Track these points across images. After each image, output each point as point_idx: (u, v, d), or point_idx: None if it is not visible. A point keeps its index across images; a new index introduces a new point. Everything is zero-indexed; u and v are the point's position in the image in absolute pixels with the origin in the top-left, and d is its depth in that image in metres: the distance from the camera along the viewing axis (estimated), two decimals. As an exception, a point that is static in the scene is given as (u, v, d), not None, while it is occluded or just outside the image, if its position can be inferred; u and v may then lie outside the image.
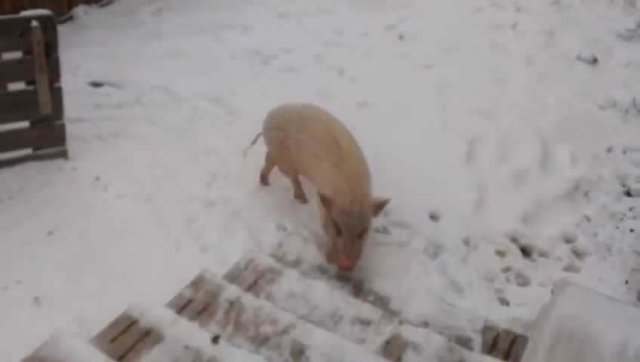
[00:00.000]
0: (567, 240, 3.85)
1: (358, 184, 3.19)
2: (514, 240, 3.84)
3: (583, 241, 3.83)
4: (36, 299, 3.03)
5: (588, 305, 1.57)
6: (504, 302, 3.41)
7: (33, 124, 3.70)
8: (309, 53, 5.58)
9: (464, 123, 4.85)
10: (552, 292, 3.00)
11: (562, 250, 3.77)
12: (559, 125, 4.90)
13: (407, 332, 2.85)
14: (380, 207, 3.21)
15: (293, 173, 3.80)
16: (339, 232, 3.13)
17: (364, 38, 5.97)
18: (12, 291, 3.06)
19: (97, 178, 3.86)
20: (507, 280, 3.57)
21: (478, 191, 4.16)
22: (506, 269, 3.63)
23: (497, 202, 4.09)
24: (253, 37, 5.75)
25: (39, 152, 3.79)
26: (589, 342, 1.45)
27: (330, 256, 3.29)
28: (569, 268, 3.64)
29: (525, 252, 3.77)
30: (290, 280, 3.05)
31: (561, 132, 4.82)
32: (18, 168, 3.73)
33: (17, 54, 3.55)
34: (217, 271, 3.10)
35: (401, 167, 4.25)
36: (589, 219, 3.99)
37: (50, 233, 3.42)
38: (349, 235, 3.10)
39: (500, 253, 3.73)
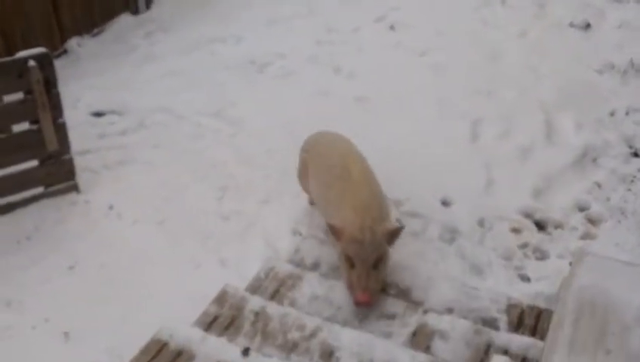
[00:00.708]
0: (581, 209, 3.87)
1: (367, 212, 2.96)
2: (528, 215, 3.86)
3: (596, 208, 3.84)
4: (65, 334, 3.09)
5: (606, 273, 1.60)
6: (525, 279, 3.43)
7: (41, 162, 3.75)
8: (303, 54, 5.60)
9: (464, 105, 4.87)
10: (569, 264, 3.03)
11: (577, 219, 3.78)
12: (559, 94, 4.91)
13: (433, 321, 2.88)
14: (393, 234, 2.96)
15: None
16: (352, 265, 2.89)
17: (356, 33, 5.98)
18: (41, 329, 3.11)
19: (111, 207, 3.91)
20: (525, 256, 3.60)
21: (487, 171, 4.18)
22: (524, 245, 3.65)
23: (507, 180, 4.11)
24: (246, 46, 5.78)
25: (51, 189, 3.84)
26: (612, 309, 1.48)
27: (350, 291, 3.00)
28: (585, 236, 3.66)
29: (540, 226, 3.79)
30: (311, 284, 3.08)
31: (561, 101, 4.83)
32: (32, 208, 3.78)
33: (18, 95, 3.60)
34: (238, 283, 3.14)
35: (407, 158, 4.27)
36: (599, 185, 4.01)
37: (71, 268, 3.48)
38: (362, 267, 2.86)
39: (516, 230, 3.75)
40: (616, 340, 1.39)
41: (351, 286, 2.91)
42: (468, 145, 4.47)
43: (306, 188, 3.74)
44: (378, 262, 2.91)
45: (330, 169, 3.26)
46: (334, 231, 2.96)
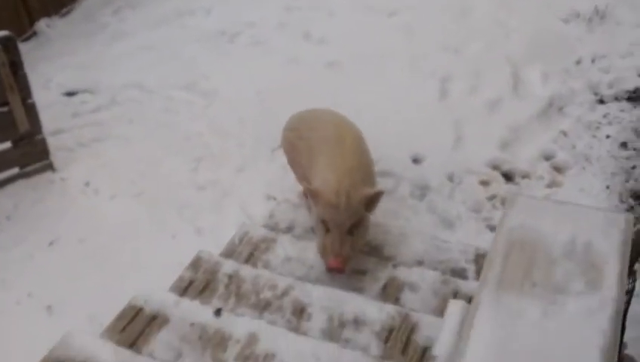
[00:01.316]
0: (547, 158, 3.96)
1: (346, 176, 2.86)
2: (495, 167, 3.95)
3: (562, 156, 3.93)
4: (48, 307, 3.18)
5: (537, 212, 1.68)
6: (493, 229, 3.53)
7: (14, 143, 3.80)
8: (272, 22, 5.62)
9: (434, 63, 4.92)
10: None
11: (543, 168, 3.88)
12: (527, 47, 4.97)
13: (402, 274, 2.97)
14: (372, 199, 2.87)
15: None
16: (327, 230, 2.82)
17: (325, -3, 5.99)
18: (24, 304, 3.20)
19: (87, 183, 3.97)
20: (494, 207, 3.70)
21: (456, 128, 4.26)
22: (492, 197, 3.75)
23: (475, 134, 4.19)
24: (216, 18, 5.79)
25: (26, 169, 3.90)
26: (540, 245, 1.56)
27: (322, 256, 2.94)
28: (552, 185, 3.76)
29: (508, 177, 3.89)
30: (284, 246, 3.16)
31: (529, 53, 4.90)
32: (9, 189, 3.84)
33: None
34: (215, 250, 3.23)
35: (379, 119, 4.33)
36: (565, 134, 4.09)
37: (51, 244, 3.55)
38: (337, 232, 2.79)
39: (484, 183, 3.85)
40: (542, 273, 1.48)
41: (324, 251, 2.84)
42: (437, 103, 4.54)
43: (292, 165, 3.60)
44: (354, 227, 2.82)
45: (324, 139, 3.17)
46: (311, 194, 2.87)
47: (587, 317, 1.35)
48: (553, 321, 1.35)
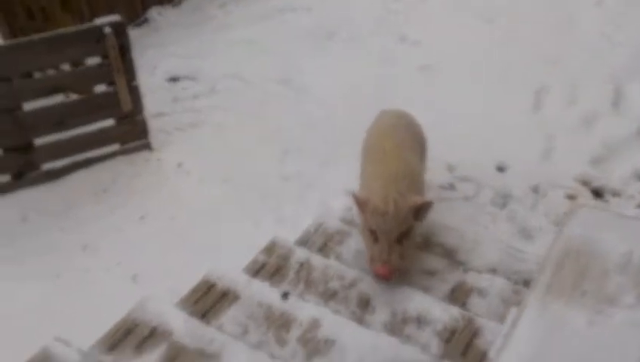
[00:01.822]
0: (640, 178, 3.80)
1: (394, 184, 2.80)
2: (585, 183, 3.83)
3: (656, 177, 3.77)
4: (134, 276, 3.39)
5: (598, 224, 1.64)
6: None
7: (117, 121, 4.07)
8: (369, 22, 5.69)
9: (531, 72, 4.83)
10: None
11: (635, 188, 3.73)
12: (631, 63, 4.77)
13: (472, 279, 2.96)
14: (420, 208, 2.77)
15: None
16: (375, 239, 2.75)
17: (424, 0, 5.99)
18: (113, 272, 3.43)
19: (180, 165, 4.19)
20: (557, 230, 3.58)
21: (546, 140, 4.16)
22: (577, 212, 3.64)
23: (566, 148, 4.09)
24: (315, 15, 5.92)
25: (126, 146, 4.17)
26: (595, 255, 1.54)
27: (371, 265, 2.83)
28: (642, 205, 3.61)
29: (597, 194, 3.76)
30: (357, 240, 3.22)
31: (633, 70, 4.69)
32: (109, 163, 4.12)
33: (96, 59, 3.92)
34: (292, 239, 3.33)
35: (466, 124, 4.31)
36: (663, 155, 3.91)
37: (142, 218, 3.78)
38: (385, 240, 2.71)
39: (571, 197, 3.74)
40: (593, 283, 1.45)
41: (372, 260, 2.76)
42: (530, 113, 4.45)
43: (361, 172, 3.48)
44: (402, 236, 2.74)
45: (370, 147, 3.19)
46: (358, 203, 2.81)
47: (632, 329, 1.33)
48: (597, 330, 1.34)
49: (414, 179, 2.97)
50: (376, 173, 2.93)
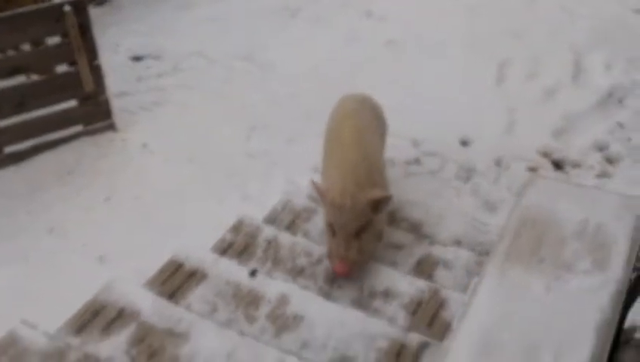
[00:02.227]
0: (600, 149, 3.90)
1: (352, 176, 2.71)
2: (546, 155, 3.91)
3: (615, 148, 3.87)
4: (100, 258, 3.37)
5: (553, 193, 1.70)
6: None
7: (80, 101, 4.01)
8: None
9: (494, 46, 4.88)
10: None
11: (595, 159, 3.82)
12: (592, 35, 4.86)
13: (438, 252, 3.02)
14: (378, 202, 2.67)
15: None
16: (333, 232, 2.68)
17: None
18: (79, 253, 3.39)
19: (144, 145, 4.15)
20: (515, 200, 3.66)
21: (509, 113, 4.23)
22: (539, 184, 3.72)
23: (528, 121, 4.16)
24: (281, -8, 5.88)
25: (89, 128, 4.11)
26: (552, 223, 1.59)
27: (329, 260, 2.76)
28: (601, 175, 3.70)
29: (558, 165, 3.84)
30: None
31: (594, 42, 4.79)
32: (73, 144, 4.06)
33: (57, 39, 3.84)
34: (259, 217, 3.35)
35: (431, 99, 4.35)
36: (622, 125, 4.01)
37: (107, 199, 3.75)
38: (342, 235, 2.63)
39: (532, 169, 3.82)
40: (550, 251, 1.51)
41: (330, 256, 2.71)
42: (493, 87, 4.51)
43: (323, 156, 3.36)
44: (361, 231, 2.66)
45: (329, 132, 3.09)
46: (318, 192, 2.76)
47: (588, 294, 1.38)
48: (554, 296, 1.39)
49: (374, 169, 2.87)
50: (335, 163, 2.84)
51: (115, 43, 5.25)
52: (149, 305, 2.34)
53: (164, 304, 2.37)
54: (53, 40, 3.89)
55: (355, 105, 3.19)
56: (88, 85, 3.93)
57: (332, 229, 2.68)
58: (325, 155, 3.06)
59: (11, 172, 3.87)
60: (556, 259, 1.49)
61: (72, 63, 3.89)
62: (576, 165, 3.81)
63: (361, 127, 2.99)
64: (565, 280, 1.44)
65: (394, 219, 3.40)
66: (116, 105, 4.32)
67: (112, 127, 4.19)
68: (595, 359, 1.29)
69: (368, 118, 3.14)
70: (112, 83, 4.32)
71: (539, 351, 1.30)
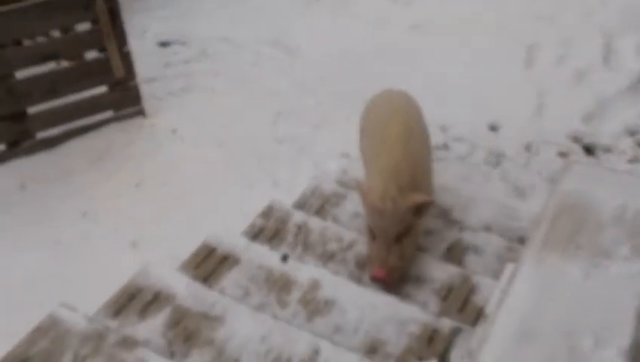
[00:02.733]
0: (632, 133, 3.85)
1: (394, 178, 2.58)
2: (576, 140, 3.87)
3: (647, 132, 3.81)
4: (133, 243, 3.42)
5: (591, 179, 1.69)
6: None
7: (110, 87, 4.06)
8: (361, -18, 5.64)
9: (522, 29, 4.83)
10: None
11: (626, 144, 3.78)
12: (623, 18, 4.77)
13: (468, 237, 3.02)
14: (421, 207, 2.57)
15: None
16: (373, 237, 2.59)
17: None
18: (111, 238, 3.45)
19: (174, 131, 4.19)
20: (552, 186, 3.63)
21: (538, 97, 4.19)
22: (570, 169, 3.69)
23: (558, 105, 4.12)
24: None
25: (119, 113, 4.16)
26: (590, 209, 1.58)
27: (368, 265, 2.66)
28: (634, 160, 3.66)
29: (589, 150, 3.81)
30: (354, 202, 3.26)
31: (624, 25, 4.70)
32: (103, 130, 4.12)
33: (87, 25, 3.88)
34: (288, 202, 3.37)
35: (458, 83, 4.33)
36: (654, 110, 3.95)
37: (137, 185, 3.79)
38: (382, 240, 2.54)
39: (563, 154, 3.79)
40: (588, 237, 1.50)
41: (369, 260, 2.62)
42: (522, 71, 4.47)
43: (361, 150, 3.25)
44: (402, 235, 2.56)
45: (373, 127, 2.93)
46: (360, 193, 2.64)
47: (628, 280, 1.38)
48: (593, 282, 1.39)
49: (419, 171, 2.74)
50: (379, 163, 2.69)
51: (142, 29, 5.28)
52: (184, 289, 2.37)
53: (198, 288, 2.40)
54: (83, 27, 3.94)
55: (402, 101, 3.03)
56: (118, 71, 3.97)
57: (372, 233, 2.59)
58: (368, 152, 2.91)
59: (43, 157, 3.94)
60: (594, 246, 1.48)
61: (102, 50, 3.93)
62: (607, 150, 3.76)
63: (409, 125, 2.82)
64: (604, 266, 1.44)
65: (423, 205, 3.40)
66: (144, 91, 4.36)
67: (141, 112, 4.24)
68: (635, 345, 1.29)
69: (415, 116, 2.97)
70: (140, 69, 4.36)
71: (578, 337, 1.31)
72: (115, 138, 4.08)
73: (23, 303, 2.93)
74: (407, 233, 2.58)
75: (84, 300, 2.45)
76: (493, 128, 4.01)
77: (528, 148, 3.84)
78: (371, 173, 2.73)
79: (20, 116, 3.81)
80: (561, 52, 4.54)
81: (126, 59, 4.01)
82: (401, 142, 2.70)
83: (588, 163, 1.95)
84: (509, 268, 2.11)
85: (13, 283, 3.10)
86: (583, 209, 1.58)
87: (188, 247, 2.94)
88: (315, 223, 3.01)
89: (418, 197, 2.56)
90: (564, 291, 1.39)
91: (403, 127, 2.77)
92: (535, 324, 1.34)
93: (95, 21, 3.81)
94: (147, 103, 4.33)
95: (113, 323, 2.24)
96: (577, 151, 3.79)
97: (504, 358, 1.29)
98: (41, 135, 3.94)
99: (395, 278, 2.59)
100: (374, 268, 2.55)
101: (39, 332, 2.12)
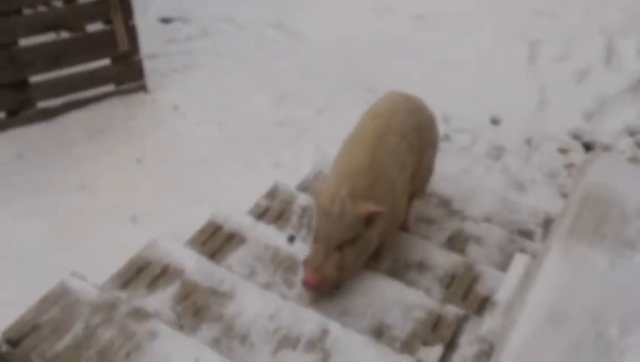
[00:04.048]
0: (631, 133, 3.90)
1: (350, 183, 2.35)
2: (576, 137, 3.92)
3: (647, 133, 3.87)
4: (133, 217, 3.40)
5: (615, 172, 1.72)
6: (566, 197, 3.54)
7: (113, 61, 4.02)
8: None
9: (525, 25, 4.86)
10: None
11: (626, 143, 3.83)
12: (625, 18, 4.82)
13: (469, 227, 3.05)
14: (372, 217, 2.32)
15: None
16: (316, 238, 2.37)
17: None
18: (111, 211, 3.43)
19: (176, 107, 4.17)
20: (570, 175, 3.69)
21: (540, 93, 4.23)
22: (569, 165, 3.74)
23: (559, 102, 4.16)
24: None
25: (121, 87, 4.12)
26: (614, 201, 1.62)
27: (304, 268, 2.39)
28: (632, 160, 3.71)
29: (588, 148, 3.85)
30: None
31: (626, 25, 4.75)
32: (104, 103, 4.07)
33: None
34: (290, 184, 3.37)
35: (461, 75, 4.35)
36: (654, 111, 4.01)
37: (138, 160, 3.77)
38: (323, 244, 2.31)
39: (563, 151, 3.83)
40: (613, 228, 1.53)
41: (305, 263, 2.37)
42: (524, 66, 4.50)
43: None
44: (346, 244, 2.32)
45: (355, 128, 2.67)
46: (314, 191, 2.48)
47: (653, 271, 1.41)
48: (619, 272, 1.42)
49: (384, 182, 2.44)
50: (338, 165, 2.50)
51: (144, 4, 5.22)
52: (193, 264, 2.37)
53: (207, 263, 2.40)
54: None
55: (392, 104, 2.72)
56: (123, 45, 3.93)
57: (315, 235, 2.37)
58: (339, 151, 2.65)
59: (43, 128, 3.89)
60: (619, 237, 1.52)
61: (107, 22, 3.88)
62: (606, 148, 3.82)
63: (385, 131, 2.54)
64: (629, 257, 1.47)
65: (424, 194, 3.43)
66: (146, 66, 4.32)
67: (143, 88, 4.20)
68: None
69: (404, 123, 2.63)
70: (142, 44, 4.31)
71: (605, 324, 1.33)
72: (116, 112, 4.04)
73: (23, 274, 2.92)
74: (352, 243, 2.34)
75: (84, 272, 2.44)
76: (495, 121, 4.04)
77: (529, 142, 3.87)
78: (331, 173, 2.51)
79: (22, 85, 3.76)
80: (563, 49, 4.58)
81: (131, 32, 3.98)
82: (368, 147, 2.46)
83: (611, 156, 1.99)
84: (519, 258, 2.15)
85: (12, 253, 3.07)
86: (607, 201, 1.61)
87: (188, 224, 2.93)
88: (319, 206, 3.01)
89: (370, 207, 2.32)
90: (591, 279, 1.41)
91: (377, 131, 2.52)
92: (563, 310, 1.36)
93: (102, -8, 3.77)
94: (149, 79, 4.29)
95: (123, 294, 2.23)
96: (577, 148, 3.84)
97: (533, 342, 1.32)
98: (42, 105, 3.89)
99: (328, 288, 2.35)
100: (307, 272, 2.32)
101: (49, 300, 2.10)
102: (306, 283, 2.32)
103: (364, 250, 2.41)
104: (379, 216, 2.34)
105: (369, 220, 2.33)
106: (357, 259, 2.39)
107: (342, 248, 2.32)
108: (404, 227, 2.91)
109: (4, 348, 1.96)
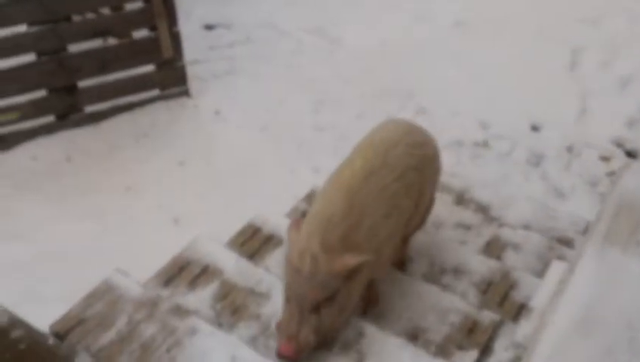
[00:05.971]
0: (675, 142, 3.84)
1: (323, 233, 2.00)
2: (619, 145, 3.87)
3: (692, 141, 3.80)
4: (175, 219, 3.49)
5: (650, 179, 1.73)
6: (606, 204, 3.50)
7: (158, 66, 4.13)
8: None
9: (567, 32, 4.81)
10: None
11: (669, 152, 3.77)
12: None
13: (507, 234, 3.04)
14: (352, 271, 1.99)
15: None
16: (288, 299, 2.04)
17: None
18: (155, 213, 3.52)
19: (217, 112, 4.25)
20: (612, 183, 3.64)
21: (582, 100, 4.18)
22: (611, 173, 3.69)
23: (601, 109, 4.11)
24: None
25: (165, 92, 4.23)
26: (650, 210, 1.62)
27: (277, 334, 2.09)
28: (676, 169, 3.64)
29: (631, 155, 3.80)
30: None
31: (672, 33, 4.67)
32: (148, 108, 4.18)
33: (138, 4, 3.95)
34: (328, 188, 3.41)
35: (501, 81, 4.33)
36: (700, 119, 3.93)
37: (181, 163, 3.86)
38: (295, 307, 1.99)
39: (605, 158, 3.79)
40: (647, 235, 1.54)
41: (277, 329, 2.08)
42: (566, 73, 4.46)
43: None
44: (321, 304, 1.99)
45: (341, 163, 2.33)
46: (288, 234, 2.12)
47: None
48: (654, 277, 1.42)
49: (366, 229, 2.08)
50: (312, 210, 2.15)
51: (187, 11, 5.33)
52: (232, 265, 2.43)
53: (246, 264, 2.46)
54: (134, 5, 4.00)
55: (390, 136, 2.33)
56: (167, 51, 4.03)
57: (287, 294, 2.05)
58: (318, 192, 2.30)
59: (90, 131, 4.02)
60: (654, 243, 1.52)
61: (152, 29, 4.00)
62: (649, 156, 3.76)
63: (376, 169, 2.18)
64: (664, 264, 1.47)
65: (462, 200, 3.43)
66: (189, 72, 4.42)
67: (186, 93, 4.30)
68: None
69: (402, 161, 2.25)
70: (186, 50, 4.42)
71: (639, 329, 1.34)
72: (160, 116, 4.15)
73: (70, 271, 3.02)
74: (329, 301, 2.00)
75: (128, 270, 2.52)
76: (535, 128, 4.02)
77: (570, 150, 3.84)
78: (305, 220, 2.12)
79: (71, 89, 3.90)
80: (606, 56, 4.52)
81: (175, 39, 4.08)
82: (347, 190, 2.10)
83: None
84: (556, 265, 2.15)
85: (60, 251, 3.18)
86: (641, 209, 1.61)
87: (228, 226, 3.00)
88: (357, 210, 3.04)
89: (348, 260, 1.98)
90: (626, 284, 1.42)
91: (361, 171, 2.16)
92: (596, 315, 1.37)
93: (147, 0, 3.87)
94: (192, 84, 4.39)
95: (165, 292, 2.31)
96: (619, 156, 3.79)
97: (563, 345, 1.33)
98: (89, 109, 4.02)
99: (306, 354, 2.04)
100: (280, 342, 2.01)
101: (94, 296, 2.19)
102: (281, 355, 1.99)
103: (344, 306, 2.06)
104: (361, 267, 2.01)
105: (352, 273, 2.01)
106: (337, 318, 2.06)
107: (318, 309, 1.99)
108: (399, 266, 2.65)
109: (52, 340, 2.05)
